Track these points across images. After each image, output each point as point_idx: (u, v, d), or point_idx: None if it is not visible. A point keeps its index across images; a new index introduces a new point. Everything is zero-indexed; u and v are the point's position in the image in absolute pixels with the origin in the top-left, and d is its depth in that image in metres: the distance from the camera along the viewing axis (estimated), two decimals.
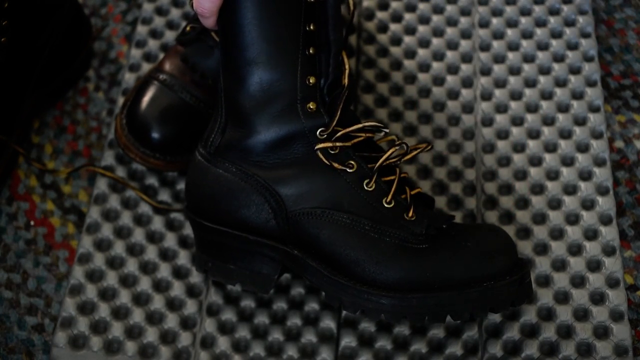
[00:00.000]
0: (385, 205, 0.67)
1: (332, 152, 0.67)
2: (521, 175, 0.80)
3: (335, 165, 0.66)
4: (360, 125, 0.67)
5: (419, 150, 0.69)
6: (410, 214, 0.67)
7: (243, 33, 0.64)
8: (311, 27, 0.66)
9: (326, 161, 0.66)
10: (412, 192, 0.69)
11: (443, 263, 0.66)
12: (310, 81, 0.66)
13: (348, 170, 0.67)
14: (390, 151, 0.67)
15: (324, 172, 0.67)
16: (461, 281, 0.65)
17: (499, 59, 0.85)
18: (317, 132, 0.66)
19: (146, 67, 0.86)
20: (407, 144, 0.67)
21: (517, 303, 0.67)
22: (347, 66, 0.67)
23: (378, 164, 0.67)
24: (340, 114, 0.67)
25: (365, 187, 0.67)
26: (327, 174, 0.67)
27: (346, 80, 0.67)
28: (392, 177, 0.68)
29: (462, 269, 0.65)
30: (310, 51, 0.66)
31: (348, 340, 0.72)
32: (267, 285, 0.70)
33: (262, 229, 0.68)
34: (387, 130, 0.68)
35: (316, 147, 0.66)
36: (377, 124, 0.68)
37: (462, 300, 0.65)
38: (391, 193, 0.67)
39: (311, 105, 0.66)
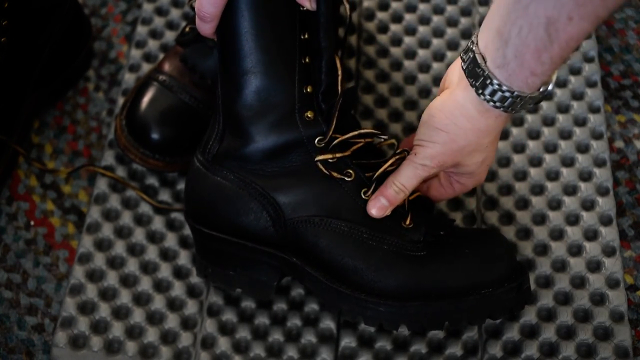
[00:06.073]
0: None
1: (331, 160, 0.66)
2: (521, 175, 0.80)
3: (334, 174, 0.66)
4: (356, 133, 0.67)
5: None
6: (408, 221, 0.67)
7: (240, 43, 0.64)
8: (305, 36, 0.65)
9: (325, 171, 0.66)
10: (411, 198, 0.68)
11: (441, 271, 0.65)
12: (308, 90, 0.66)
13: (346, 179, 0.66)
14: (390, 162, 0.67)
15: (322, 181, 0.66)
16: (459, 289, 0.65)
17: None
18: (315, 141, 0.66)
19: (146, 67, 0.86)
20: (408, 150, 0.67)
21: (515, 310, 0.67)
22: (340, 72, 0.67)
23: (377, 174, 0.67)
24: (339, 120, 0.66)
25: (363, 196, 0.66)
26: (325, 183, 0.66)
27: (339, 87, 0.67)
28: None
29: (460, 276, 0.65)
30: (306, 60, 0.66)
31: (348, 341, 0.72)
32: (266, 291, 0.70)
33: (261, 236, 0.67)
34: (385, 137, 0.68)
35: (316, 159, 0.66)
36: (373, 131, 0.67)
37: (460, 308, 0.65)
38: None
39: (309, 114, 0.66)
